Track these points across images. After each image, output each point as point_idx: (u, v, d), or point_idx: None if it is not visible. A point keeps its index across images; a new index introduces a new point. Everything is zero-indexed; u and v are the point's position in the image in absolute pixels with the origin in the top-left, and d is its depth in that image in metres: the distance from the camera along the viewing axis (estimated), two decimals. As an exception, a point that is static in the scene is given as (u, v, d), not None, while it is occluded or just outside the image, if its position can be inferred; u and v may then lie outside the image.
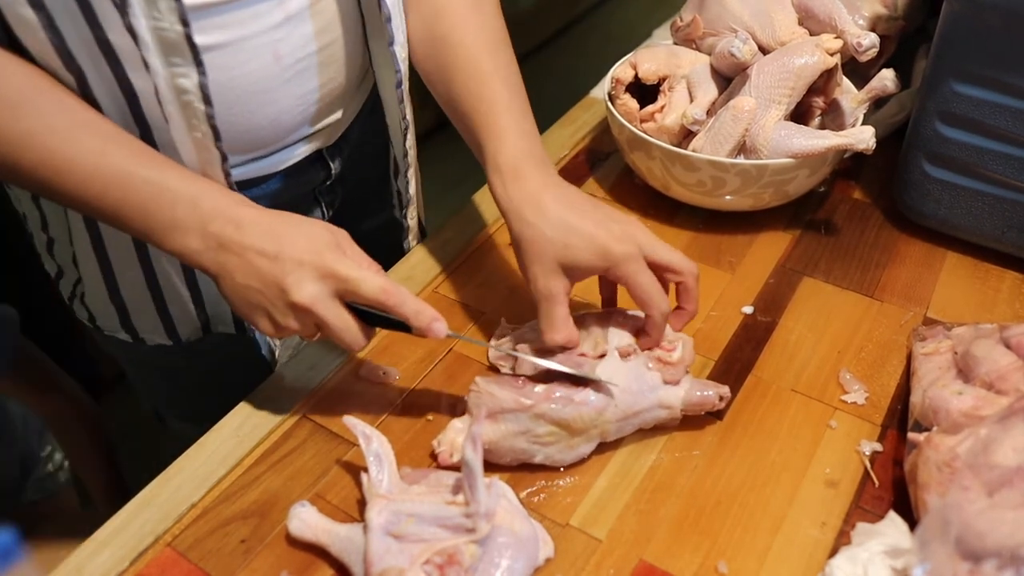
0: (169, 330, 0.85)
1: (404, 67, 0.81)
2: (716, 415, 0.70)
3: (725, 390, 0.68)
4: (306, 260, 0.62)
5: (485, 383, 0.66)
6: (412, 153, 0.90)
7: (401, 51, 0.80)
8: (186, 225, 0.62)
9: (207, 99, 0.66)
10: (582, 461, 0.68)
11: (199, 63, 0.64)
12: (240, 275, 0.62)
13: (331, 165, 0.87)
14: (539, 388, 0.65)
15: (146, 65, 0.63)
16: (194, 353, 0.87)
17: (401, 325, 0.65)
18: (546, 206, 0.66)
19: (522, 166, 0.69)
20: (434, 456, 0.67)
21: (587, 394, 0.65)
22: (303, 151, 0.82)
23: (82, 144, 0.62)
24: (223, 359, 0.87)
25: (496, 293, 0.84)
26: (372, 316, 0.65)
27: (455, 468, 0.66)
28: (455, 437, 0.66)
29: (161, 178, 0.63)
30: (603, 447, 0.68)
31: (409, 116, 0.87)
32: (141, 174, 0.63)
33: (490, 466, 0.66)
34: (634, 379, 0.66)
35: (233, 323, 0.85)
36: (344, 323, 0.63)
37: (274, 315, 0.63)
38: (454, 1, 0.77)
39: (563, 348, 0.68)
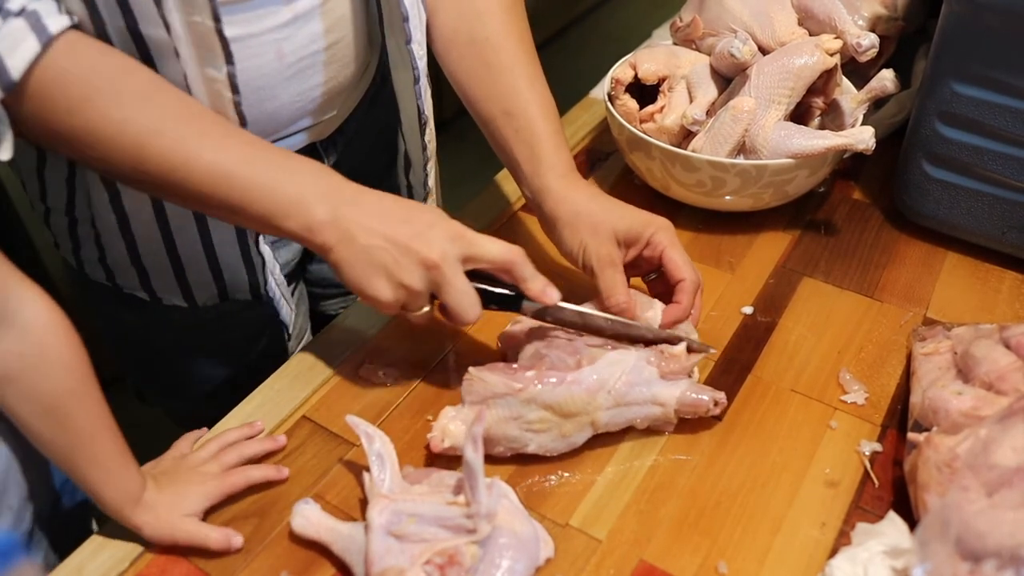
0: (186, 294, 0.85)
1: (421, 64, 0.83)
2: (716, 416, 0.70)
3: (721, 396, 0.68)
4: (436, 223, 0.66)
5: (477, 370, 0.67)
6: (431, 147, 0.92)
7: (419, 49, 0.81)
8: (311, 198, 0.65)
9: (235, 88, 0.69)
10: (582, 460, 0.68)
11: (228, 55, 0.67)
12: (364, 236, 0.64)
13: (324, 158, 0.87)
14: (530, 373, 0.65)
15: (176, 54, 0.65)
16: (208, 318, 0.88)
17: (509, 303, 0.70)
18: (598, 192, 0.77)
19: (572, 164, 0.78)
20: (428, 445, 0.67)
21: (579, 375, 0.65)
22: (296, 143, 0.83)
23: (207, 131, 0.64)
24: (237, 325, 0.89)
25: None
26: (480, 293, 0.67)
27: (448, 456, 0.67)
28: (447, 423, 0.66)
29: (283, 158, 0.66)
30: (603, 447, 0.69)
31: (428, 111, 0.88)
32: (264, 155, 0.66)
33: (485, 457, 0.66)
34: (632, 369, 0.67)
35: (249, 290, 0.86)
36: (466, 287, 0.66)
37: (397, 273, 0.64)
38: (494, 6, 0.80)
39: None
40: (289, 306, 0.89)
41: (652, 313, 0.72)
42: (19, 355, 0.55)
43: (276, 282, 0.85)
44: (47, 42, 0.59)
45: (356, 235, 0.64)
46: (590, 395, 0.65)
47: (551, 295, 0.68)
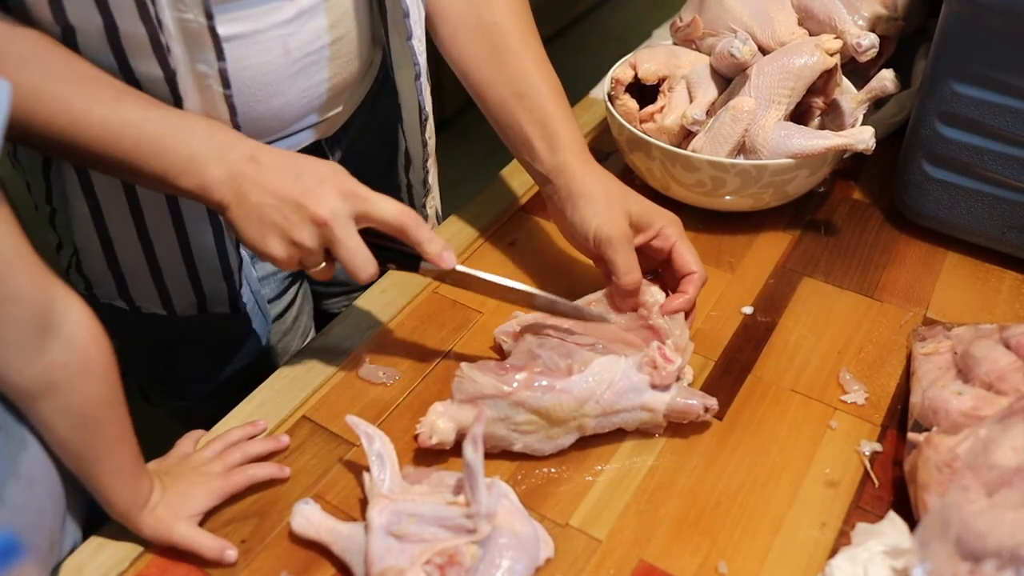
0: (165, 300, 0.85)
1: (422, 60, 0.83)
2: (716, 415, 0.70)
3: (712, 402, 0.68)
4: (328, 178, 0.64)
5: (468, 368, 0.67)
6: (431, 144, 0.92)
7: (419, 45, 0.82)
8: (204, 155, 0.64)
9: (226, 82, 0.68)
10: (582, 460, 0.68)
11: (220, 51, 0.66)
12: (256, 194, 0.64)
13: (329, 156, 0.87)
14: (520, 375, 0.65)
15: (168, 50, 0.65)
16: (189, 328, 0.88)
17: (408, 263, 0.68)
18: (610, 175, 0.77)
19: (586, 145, 0.79)
20: (416, 438, 0.67)
21: (568, 384, 0.65)
22: (302, 141, 0.83)
23: (97, 93, 0.63)
24: (217, 337, 0.88)
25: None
26: (380, 251, 0.66)
27: (447, 455, 0.67)
28: (435, 420, 0.66)
29: (177, 116, 0.65)
30: (603, 446, 0.69)
31: (428, 107, 0.88)
32: (157, 114, 0.64)
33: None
34: (621, 377, 0.67)
35: (228, 303, 0.85)
36: (357, 244, 0.65)
37: (289, 231, 0.64)
38: None
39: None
40: (264, 317, 0.88)
41: (654, 289, 0.74)
42: (64, 365, 0.54)
43: (252, 290, 0.85)
44: None
45: (248, 193, 0.64)
46: (578, 404, 0.65)
47: (448, 259, 0.67)
